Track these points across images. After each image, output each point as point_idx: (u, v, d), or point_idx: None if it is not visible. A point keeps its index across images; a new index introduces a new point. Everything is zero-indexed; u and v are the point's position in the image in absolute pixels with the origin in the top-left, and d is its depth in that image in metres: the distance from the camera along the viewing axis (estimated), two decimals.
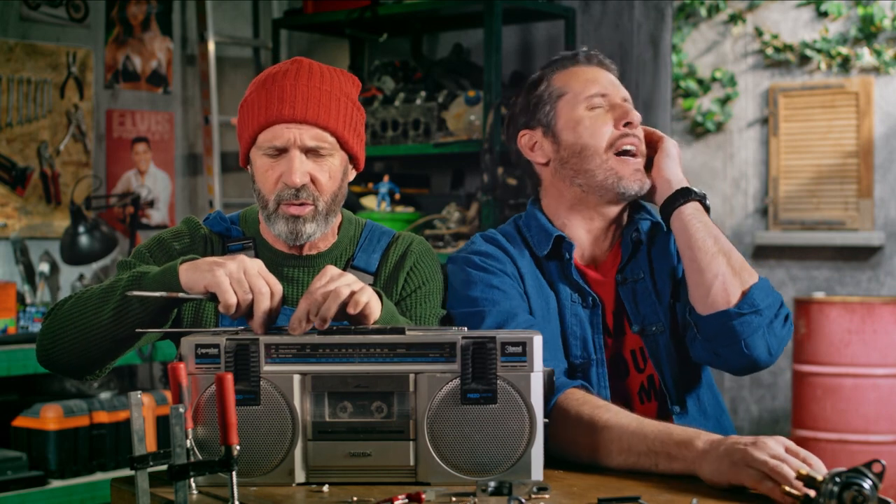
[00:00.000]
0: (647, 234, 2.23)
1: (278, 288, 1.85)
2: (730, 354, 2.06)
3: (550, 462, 1.84)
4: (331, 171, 2.10)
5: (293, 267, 2.17)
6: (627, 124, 2.15)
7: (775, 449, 1.64)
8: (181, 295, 1.88)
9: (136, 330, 1.99)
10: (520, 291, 2.12)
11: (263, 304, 1.82)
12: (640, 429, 1.82)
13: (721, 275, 2.05)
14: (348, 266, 2.18)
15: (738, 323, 2.03)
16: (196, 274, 1.86)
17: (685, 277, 2.13)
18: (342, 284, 1.83)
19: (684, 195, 2.13)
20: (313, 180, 2.08)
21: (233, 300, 1.81)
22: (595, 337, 2.14)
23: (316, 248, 2.18)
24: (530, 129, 2.23)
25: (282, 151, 2.07)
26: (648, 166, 2.19)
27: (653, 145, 2.21)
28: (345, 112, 2.11)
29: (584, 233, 2.20)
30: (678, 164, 2.18)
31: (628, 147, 2.15)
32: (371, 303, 1.86)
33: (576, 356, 2.12)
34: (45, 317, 2.08)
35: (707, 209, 2.15)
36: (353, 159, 2.16)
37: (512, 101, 2.29)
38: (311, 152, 2.07)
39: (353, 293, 1.83)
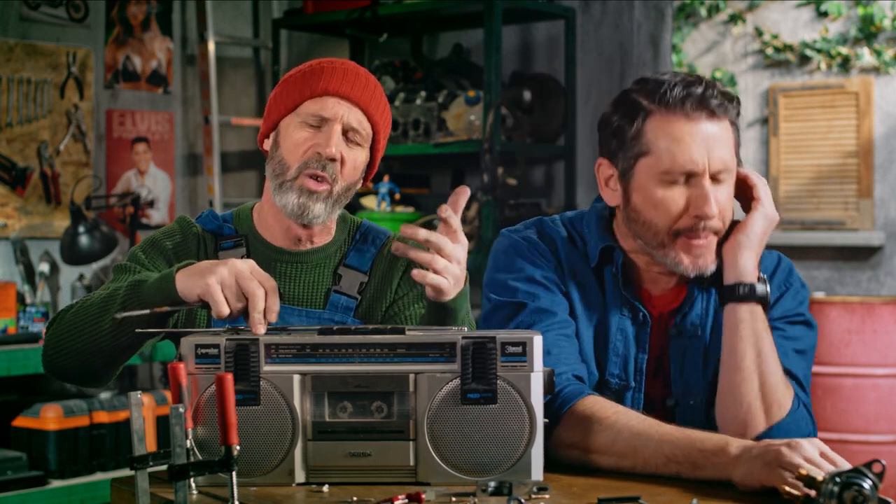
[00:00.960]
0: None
1: (271, 284, 1.85)
2: None
3: (559, 466, 1.84)
4: (356, 163, 2.13)
5: (286, 263, 2.18)
6: (698, 217, 1.93)
7: (809, 452, 1.61)
8: (169, 308, 1.89)
9: (136, 330, 1.99)
10: (562, 290, 2.03)
11: (258, 306, 1.82)
12: (661, 436, 1.78)
13: (747, 405, 1.91)
14: (341, 264, 2.18)
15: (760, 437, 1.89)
16: (190, 282, 1.87)
17: (719, 372, 1.97)
18: (451, 270, 1.84)
19: (743, 289, 1.94)
20: (342, 161, 2.10)
21: (225, 310, 1.83)
22: (639, 357, 2.03)
23: (311, 243, 2.19)
24: (610, 163, 2.02)
25: (322, 123, 2.10)
26: (743, 206, 2.00)
27: (747, 200, 2.01)
28: (385, 110, 2.17)
29: (646, 267, 2.05)
30: (758, 245, 1.97)
31: (697, 241, 1.95)
32: (445, 287, 1.86)
33: (612, 375, 2.03)
34: (49, 326, 2.10)
35: (766, 305, 1.96)
36: (370, 164, 2.18)
37: (611, 105, 2.04)
38: (349, 133, 2.11)
39: (436, 269, 1.84)
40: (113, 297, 1.97)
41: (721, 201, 1.95)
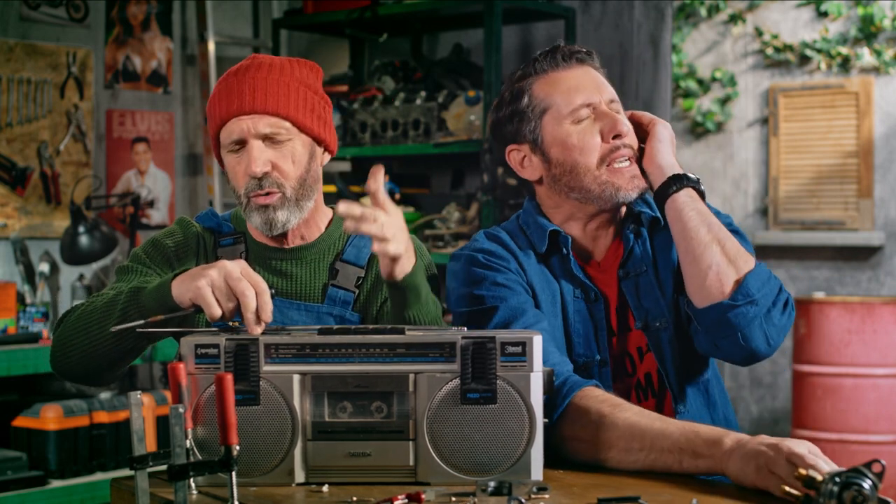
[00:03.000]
0: (648, 223, 2.18)
1: (263, 286, 1.86)
2: (728, 346, 2.02)
3: (560, 463, 1.84)
4: (293, 157, 2.13)
5: (281, 260, 2.20)
6: (616, 136, 2.09)
7: (798, 449, 1.60)
8: (164, 317, 1.91)
9: (137, 330, 2.01)
10: (525, 288, 2.10)
11: (249, 306, 1.83)
12: (664, 427, 1.80)
13: (715, 265, 2.01)
14: (338, 259, 2.21)
15: (733, 314, 1.98)
16: (183, 286, 1.90)
17: (681, 268, 2.09)
18: (388, 223, 1.88)
19: (677, 182, 2.08)
20: (276, 168, 2.11)
21: (216, 311, 1.84)
22: (599, 334, 2.11)
23: (303, 239, 2.22)
24: (517, 144, 2.17)
25: (242, 144, 2.12)
26: (642, 152, 2.14)
27: (644, 129, 2.15)
28: (296, 97, 2.14)
29: (582, 232, 2.17)
30: (671, 148, 2.13)
31: (621, 161, 2.10)
32: (402, 259, 1.93)
33: (578, 355, 2.10)
34: (55, 328, 2.13)
35: (702, 194, 2.09)
36: (320, 143, 2.19)
37: (494, 105, 2.22)
38: (268, 140, 2.11)
39: (384, 238, 1.88)
40: (114, 303, 2.00)
41: (626, 124, 2.11)
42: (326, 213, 2.26)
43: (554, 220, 2.17)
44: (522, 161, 2.17)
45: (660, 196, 2.09)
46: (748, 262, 2.03)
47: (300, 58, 2.24)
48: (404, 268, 1.96)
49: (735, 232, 2.13)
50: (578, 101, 2.10)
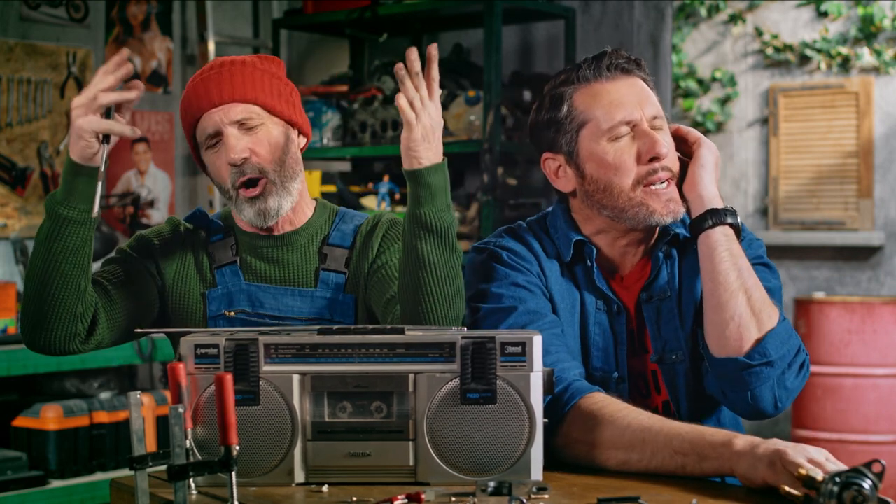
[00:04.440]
0: (681, 244, 2.11)
1: (100, 73, 1.93)
2: (736, 399, 1.97)
3: (560, 464, 1.84)
4: (269, 141, 2.15)
5: (272, 247, 2.23)
6: (655, 158, 2.01)
7: (815, 455, 1.61)
8: (101, 168, 2.01)
9: (136, 330, 2.02)
10: (545, 293, 2.07)
11: (111, 84, 1.93)
12: (669, 429, 1.79)
13: (738, 317, 1.94)
14: (324, 244, 2.23)
15: (747, 373, 1.93)
16: (76, 148, 2.00)
17: (703, 308, 2.02)
18: (427, 117, 1.91)
19: (714, 216, 2.00)
20: (253, 153, 2.14)
21: (120, 127, 1.96)
22: (619, 349, 2.06)
23: (291, 225, 2.24)
24: (553, 154, 2.10)
25: (218, 137, 2.14)
26: (684, 171, 2.07)
27: (688, 147, 2.08)
28: (262, 84, 2.17)
29: (610, 247, 2.10)
30: (714, 175, 2.04)
31: (659, 183, 2.02)
32: (419, 148, 1.93)
33: (595, 368, 2.06)
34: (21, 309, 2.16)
35: (738, 231, 2.02)
36: (294, 126, 2.22)
37: (534, 106, 2.15)
38: (242, 126, 2.14)
39: (414, 105, 1.90)
40: (39, 229, 2.03)
41: (667, 144, 2.03)
42: (311, 200, 2.29)
43: (584, 230, 2.11)
44: (557, 171, 2.11)
45: (695, 228, 2.03)
46: (772, 317, 1.97)
47: (262, 54, 2.28)
48: (419, 156, 1.93)
49: (765, 265, 2.09)
50: (618, 117, 2.02)
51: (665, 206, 2.02)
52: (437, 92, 1.93)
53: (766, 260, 2.12)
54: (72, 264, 2.02)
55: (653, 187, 2.02)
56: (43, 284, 2.03)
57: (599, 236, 2.10)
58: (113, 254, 2.26)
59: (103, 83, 1.93)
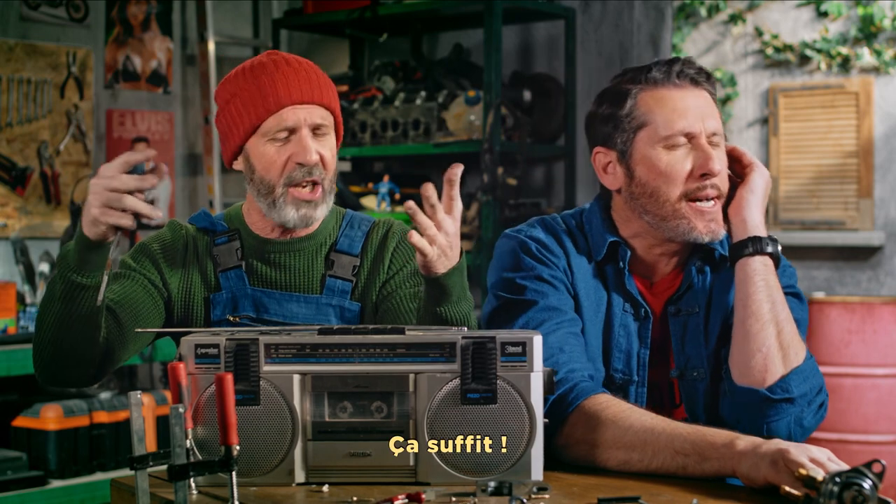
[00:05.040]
0: (715, 261, 2.10)
1: (122, 159, 1.92)
2: (749, 427, 1.94)
3: (560, 464, 1.84)
4: (331, 149, 2.17)
5: (279, 252, 2.21)
6: (706, 175, 1.99)
7: (817, 455, 1.61)
8: (111, 258, 1.93)
9: (136, 330, 2.01)
10: (569, 290, 2.06)
11: (138, 207, 1.88)
12: (671, 430, 1.79)
13: (766, 349, 1.94)
14: (332, 250, 2.21)
15: (767, 406, 1.93)
16: (87, 226, 1.91)
17: (732, 334, 2.01)
18: (440, 240, 1.87)
19: (755, 244, 1.99)
20: (322, 159, 2.13)
21: (127, 220, 1.88)
22: (641, 352, 2.06)
23: (305, 230, 2.21)
24: (606, 149, 2.08)
25: (291, 133, 2.11)
26: (732, 191, 2.05)
27: (741, 168, 2.06)
28: (332, 90, 2.18)
29: (645, 251, 2.09)
30: (762, 202, 2.03)
31: (705, 201, 2.01)
32: (427, 253, 1.88)
33: (616, 370, 2.05)
34: (33, 342, 2.13)
35: (777, 261, 2.02)
36: (338, 139, 2.22)
37: (596, 97, 2.12)
38: (316, 130, 2.13)
39: (428, 234, 1.86)
40: (52, 281, 2.02)
41: (721, 163, 2.01)
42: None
43: (621, 231, 2.10)
44: (607, 167, 2.09)
45: (734, 253, 2.02)
46: (798, 354, 1.96)
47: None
48: (437, 266, 1.92)
49: (796, 295, 2.08)
50: (678, 127, 2.00)
51: (706, 226, 2.02)
52: (458, 208, 1.89)
53: (798, 290, 2.10)
54: (86, 324, 2.01)
55: (698, 203, 2.01)
56: (57, 341, 2.03)
57: (636, 239, 2.09)
58: (118, 269, 2.22)
59: (126, 183, 1.89)
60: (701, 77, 2.04)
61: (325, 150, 2.14)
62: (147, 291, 2.17)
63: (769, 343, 1.95)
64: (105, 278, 1.93)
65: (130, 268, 2.20)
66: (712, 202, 2.02)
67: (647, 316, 2.07)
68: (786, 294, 2.03)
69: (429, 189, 1.86)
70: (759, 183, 2.04)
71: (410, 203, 1.86)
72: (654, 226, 2.04)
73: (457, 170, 1.86)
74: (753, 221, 2.02)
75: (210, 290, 2.19)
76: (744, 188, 2.04)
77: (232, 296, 2.17)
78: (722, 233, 2.03)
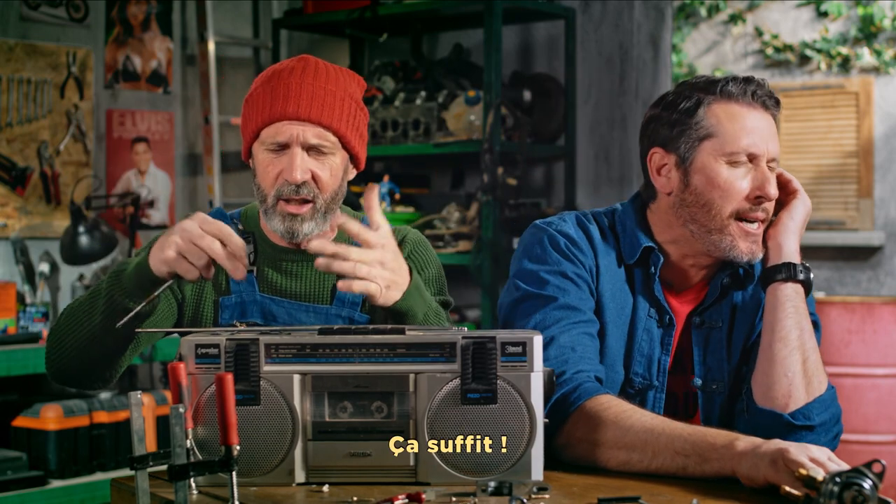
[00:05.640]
0: (741, 278, 2.12)
1: (226, 231, 1.86)
2: None
3: (560, 464, 1.84)
4: (332, 169, 2.11)
5: (293, 262, 2.19)
6: (761, 198, 2.01)
7: (817, 454, 1.61)
8: (155, 293, 1.91)
9: (136, 330, 2.01)
10: (592, 289, 2.06)
11: (219, 256, 1.84)
12: (672, 430, 1.79)
13: (791, 375, 1.95)
14: None
15: (787, 430, 1.93)
16: (157, 260, 1.90)
17: (756, 355, 2.02)
18: (369, 261, 1.87)
19: (787, 271, 2.01)
20: (314, 177, 2.10)
21: (193, 275, 1.86)
22: (662, 358, 2.07)
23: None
24: (665, 151, 2.07)
25: (284, 147, 2.09)
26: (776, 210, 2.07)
27: (785, 195, 2.08)
28: (347, 112, 2.12)
29: (677, 258, 2.09)
30: (800, 230, 2.06)
31: (753, 223, 2.03)
32: (374, 295, 1.89)
33: (636, 373, 2.06)
34: (49, 334, 2.12)
35: (808, 289, 2.03)
36: (353, 158, 2.17)
37: (659, 99, 2.12)
38: (312, 150, 2.09)
39: (360, 276, 1.86)
40: (97, 292, 2.00)
41: (775, 188, 2.03)
42: (338, 216, 2.24)
43: (657, 235, 2.10)
44: (661, 169, 2.08)
45: (766, 277, 2.03)
46: (822, 384, 1.97)
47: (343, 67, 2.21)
48: (388, 298, 1.92)
49: (814, 323, 2.07)
50: (744, 144, 2.01)
51: (749, 247, 2.03)
52: (383, 231, 1.91)
53: (816, 317, 2.11)
54: (119, 341, 2.02)
55: (745, 224, 2.02)
56: (85, 350, 2.03)
57: (672, 245, 2.09)
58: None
59: (214, 250, 1.86)
60: (771, 102, 2.06)
61: (320, 169, 2.10)
62: (165, 298, 2.16)
63: (795, 369, 1.96)
64: (140, 307, 1.92)
65: None
66: (758, 224, 2.04)
67: (671, 323, 2.08)
68: None
69: (370, 202, 1.90)
70: (800, 210, 2.07)
71: (318, 247, 1.86)
72: (696, 236, 2.05)
73: (373, 193, 1.90)
74: (789, 248, 2.04)
75: (220, 293, 2.17)
76: (785, 214, 2.07)
77: (241, 301, 2.15)
78: (760, 255, 2.05)
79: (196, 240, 1.85)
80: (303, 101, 2.08)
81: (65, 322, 2.05)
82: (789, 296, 2.00)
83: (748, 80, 2.05)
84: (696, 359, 2.08)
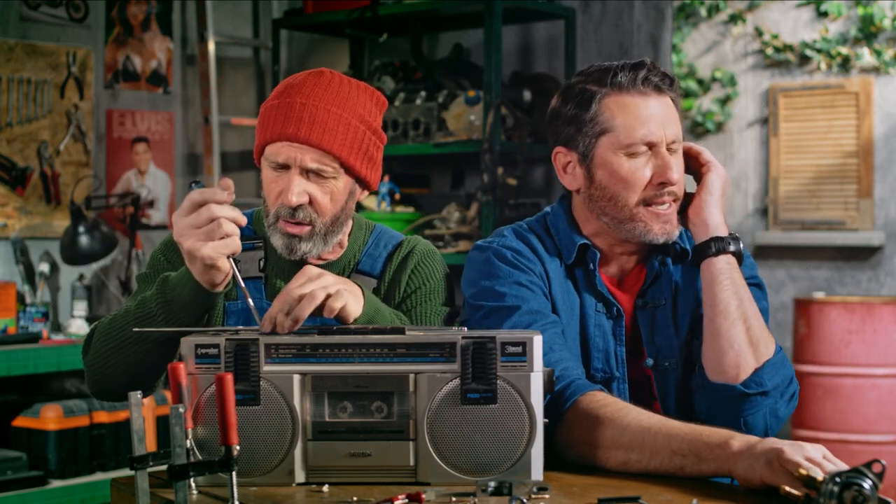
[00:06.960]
0: (678, 252, 2.14)
1: (240, 222, 1.91)
2: (725, 423, 1.93)
3: (560, 463, 1.84)
4: (333, 194, 2.07)
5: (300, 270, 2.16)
6: (663, 184, 2.04)
7: (812, 454, 1.61)
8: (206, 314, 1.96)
9: (134, 329, 2.00)
10: (545, 293, 2.09)
11: (229, 229, 1.89)
12: (668, 430, 1.79)
13: (737, 345, 1.98)
14: (353, 271, 2.18)
15: (742, 400, 1.97)
16: (200, 275, 1.91)
17: (702, 331, 2.05)
18: (318, 287, 1.85)
19: (717, 244, 2.04)
20: (312, 201, 2.06)
21: (237, 244, 1.90)
22: (618, 349, 2.09)
23: (321, 259, 2.17)
24: (567, 150, 2.11)
25: (284, 167, 2.06)
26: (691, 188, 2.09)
27: (698, 165, 2.12)
28: (353, 136, 2.07)
29: (608, 249, 2.13)
30: (720, 202, 2.08)
31: (663, 205, 2.06)
32: (348, 306, 1.89)
33: (597, 369, 2.08)
34: (85, 353, 2.11)
35: (740, 258, 2.06)
36: (361, 181, 2.13)
37: (559, 94, 2.14)
38: (312, 173, 2.05)
39: (328, 296, 1.85)
40: (148, 309, 1.99)
41: (678, 170, 2.07)
42: (349, 224, 2.20)
43: (583, 229, 2.14)
44: (566, 167, 2.13)
45: (698, 254, 2.06)
46: (769, 347, 2.01)
47: (365, 83, 2.15)
48: (354, 314, 1.92)
49: (757, 286, 2.11)
50: (640, 135, 2.03)
51: (661, 228, 2.07)
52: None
53: (759, 279, 2.15)
54: (164, 357, 2.03)
55: (654, 207, 2.06)
56: (129, 363, 2.04)
57: (596, 238, 2.14)
58: (147, 268, 2.20)
59: (223, 209, 1.88)
60: (665, 83, 2.07)
61: (320, 193, 2.06)
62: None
63: (739, 339, 1.99)
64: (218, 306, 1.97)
65: (160, 263, 2.18)
66: (668, 205, 2.07)
67: (619, 314, 2.10)
68: (749, 286, 2.07)
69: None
70: (715, 183, 2.10)
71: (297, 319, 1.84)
72: (612, 226, 2.09)
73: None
74: (714, 222, 2.06)
75: (226, 298, 2.15)
76: (702, 190, 2.09)
77: (247, 307, 2.12)
78: (676, 233, 2.08)
79: (195, 223, 1.88)
80: (303, 124, 2.03)
81: (107, 345, 2.04)
82: (722, 269, 2.03)
83: (638, 66, 2.06)
84: (644, 339, 2.11)
